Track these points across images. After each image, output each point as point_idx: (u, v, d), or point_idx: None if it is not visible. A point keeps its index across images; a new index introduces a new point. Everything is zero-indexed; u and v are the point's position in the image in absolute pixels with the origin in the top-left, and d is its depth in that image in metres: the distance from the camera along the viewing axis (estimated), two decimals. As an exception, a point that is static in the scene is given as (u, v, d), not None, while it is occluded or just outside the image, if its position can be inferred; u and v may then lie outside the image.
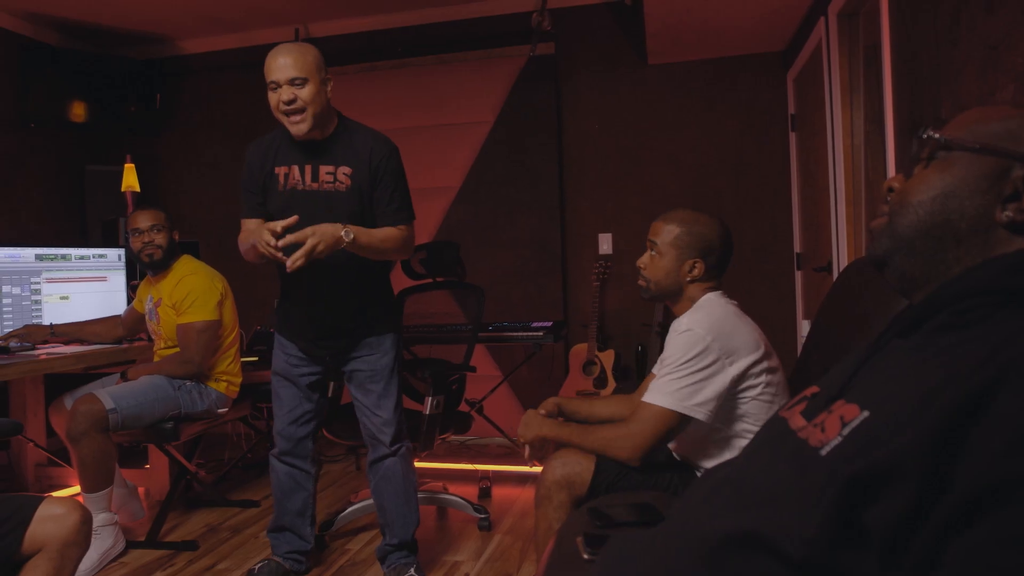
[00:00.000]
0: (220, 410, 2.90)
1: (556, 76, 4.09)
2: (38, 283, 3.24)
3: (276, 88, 2.04)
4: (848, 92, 2.79)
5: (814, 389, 0.88)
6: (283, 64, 2.03)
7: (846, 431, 0.68)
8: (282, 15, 4.27)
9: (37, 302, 3.23)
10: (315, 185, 2.16)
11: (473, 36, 4.17)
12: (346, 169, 2.15)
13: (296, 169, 2.16)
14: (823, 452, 0.69)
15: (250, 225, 2.22)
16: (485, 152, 4.15)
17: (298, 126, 2.06)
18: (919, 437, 0.62)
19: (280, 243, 1.89)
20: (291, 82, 2.02)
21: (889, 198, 0.87)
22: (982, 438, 0.60)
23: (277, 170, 2.18)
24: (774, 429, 0.87)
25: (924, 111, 1.94)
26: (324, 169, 2.15)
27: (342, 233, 1.97)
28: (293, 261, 1.88)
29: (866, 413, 0.68)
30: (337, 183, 2.15)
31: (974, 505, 0.58)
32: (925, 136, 0.83)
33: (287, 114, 2.06)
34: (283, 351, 2.34)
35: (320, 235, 1.92)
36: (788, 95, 3.82)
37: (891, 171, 2.21)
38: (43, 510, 1.46)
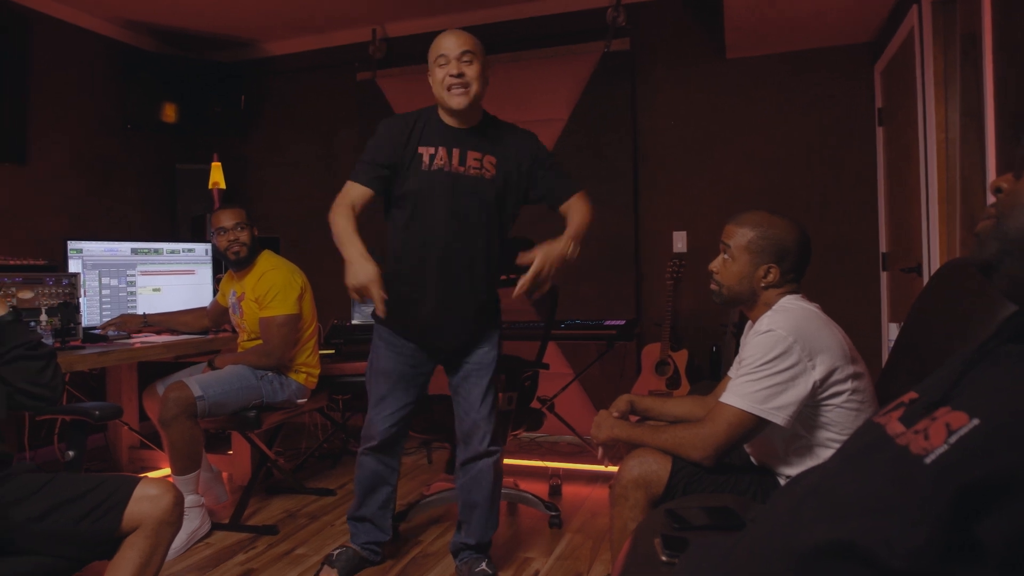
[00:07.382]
0: (299, 400, 3.00)
1: (632, 72, 4.04)
2: (133, 275, 3.42)
3: (445, 63, 2.07)
4: (942, 84, 2.65)
5: (912, 395, 0.83)
6: (453, 42, 2.08)
7: (953, 439, 0.65)
8: (360, 17, 4.38)
9: (132, 293, 3.41)
10: (461, 168, 2.17)
11: (547, 33, 4.17)
12: (492, 159, 2.19)
13: (443, 151, 2.16)
14: (927, 460, 0.66)
15: (353, 193, 2.12)
16: (559, 149, 4.13)
17: (459, 98, 2.07)
18: (1037, 449, 0.58)
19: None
20: (460, 57, 2.06)
21: (997, 199, 0.82)
22: None
23: (421, 149, 2.16)
24: (868, 435, 0.84)
25: (1029, 103, 1.83)
26: (472, 155, 2.17)
27: (569, 249, 2.07)
28: (534, 291, 2.03)
29: (976, 421, 0.65)
30: (484, 170, 2.18)
31: None
32: (1040, 131, 0.78)
33: (451, 87, 2.07)
34: (394, 351, 2.28)
35: (548, 261, 2.04)
36: (875, 88, 3.66)
37: (991, 167, 2.09)
38: (140, 490, 1.53)
